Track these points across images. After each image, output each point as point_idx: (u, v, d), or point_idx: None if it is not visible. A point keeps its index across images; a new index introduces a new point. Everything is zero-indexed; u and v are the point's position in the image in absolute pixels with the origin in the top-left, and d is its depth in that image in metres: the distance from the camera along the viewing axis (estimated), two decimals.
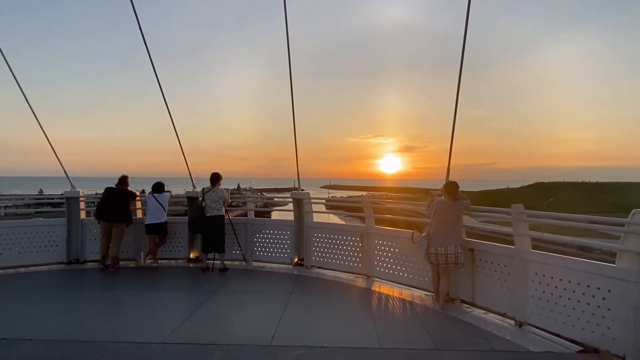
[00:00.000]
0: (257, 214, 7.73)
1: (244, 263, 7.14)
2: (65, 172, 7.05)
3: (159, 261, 7.24)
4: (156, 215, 7.04)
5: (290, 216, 7.07)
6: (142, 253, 7.19)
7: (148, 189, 7.47)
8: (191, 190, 7.48)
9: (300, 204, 6.94)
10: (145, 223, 7.05)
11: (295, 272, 6.48)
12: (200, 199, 6.64)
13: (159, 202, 7.06)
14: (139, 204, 7.69)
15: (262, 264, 7.06)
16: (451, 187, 4.73)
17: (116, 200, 6.93)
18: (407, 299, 5.10)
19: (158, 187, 7.25)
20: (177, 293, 5.44)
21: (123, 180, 7.13)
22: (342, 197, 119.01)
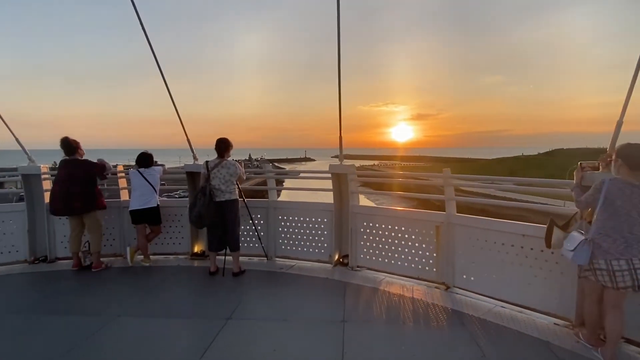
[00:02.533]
0: (261, 194, 5.85)
1: (265, 260, 5.34)
2: (18, 141, 5.14)
3: (153, 257, 5.47)
4: (144, 199, 5.12)
5: (304, 196, 5.92)
6: (128, 249, 5.33)
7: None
8: (191, 163, 5.53)
9: (343, 181, 5.00)
10: (130, 209, 5.16)
11: (337, 277, 4.64)
12: (204, 178, 4.65)
13: (147, 181, 5.14)
14: (122, 182, 5.79)
15: (289, 262, 5.24)
16: None
17: (70, 179, 4.83)
18: (529, 333, 3.21)
19: (144, 160, 5.25)
20: (172, 322, 3.52)
21: (69, 146, 4.88)
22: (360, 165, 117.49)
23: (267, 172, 6.11)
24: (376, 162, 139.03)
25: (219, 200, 4.56)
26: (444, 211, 4.23)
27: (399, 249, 4.54)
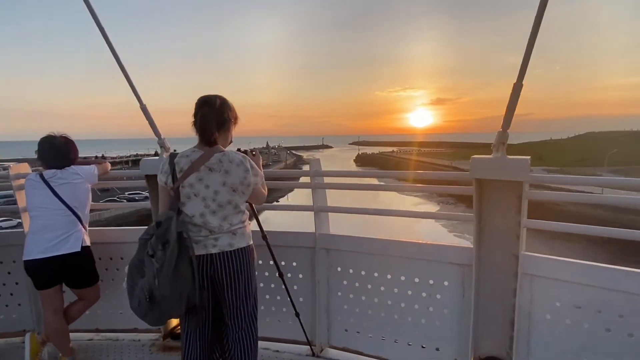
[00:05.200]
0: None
1: (309, 353, 2.58)
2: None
3: (83, 343, 2.76)
4: (53, 236, 2.30)
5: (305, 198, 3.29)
6: (27, 337, 2.51)
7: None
8: (152, 158, 2.61)
9: (508, 199, 1.99)
10: (25, 258, 2.32)
11: None
12: (166, 199, 1.87)
13: (60, 198, 2.33)
14: (21, 199, 2.67)
15: None
16: None
17: None
18: None
19: (54, 153, 2.44)
20: None
21: None
22: (372, 153, 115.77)
23: (314, 171, 2.57)
24: (395, 149, 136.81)
25: (204, 253, 1.81)
26: None
27: None
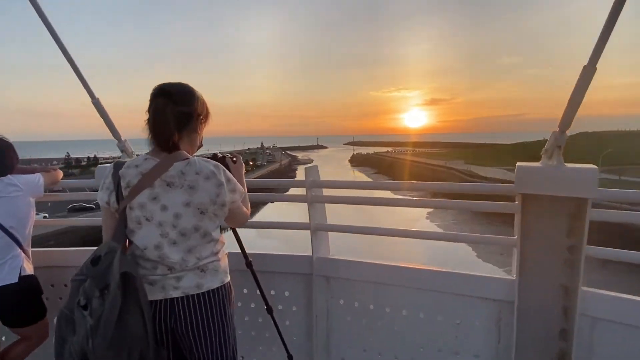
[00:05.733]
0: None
1: None
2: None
3: None
4: None
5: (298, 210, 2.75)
6: None
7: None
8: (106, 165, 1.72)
9: (560, 220, 1.55)
10: None
11: None
12: (110, 222, 1.35)
13: None
14: None
15: None
16: None
17: None
18: None
19: None
20: None
21: None
22: (367, 153, 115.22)
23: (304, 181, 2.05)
24: (390, 149, 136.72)
25: (161, 298, 1.30)
26: None
27: None
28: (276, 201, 2.49)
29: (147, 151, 1.36)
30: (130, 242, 1.29)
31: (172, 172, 1.28)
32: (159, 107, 1.30)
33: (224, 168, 1.37)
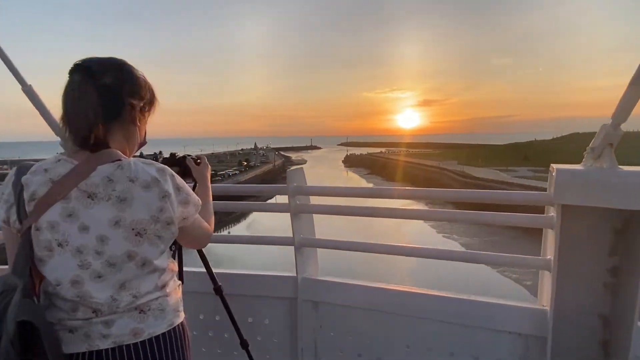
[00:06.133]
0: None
1: None
2: None
3: None
4: None
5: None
6: None
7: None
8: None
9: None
10: None
11: None
12: (13, 250, 0.95)
13: None
14: None
15: None
16: None
17: None
18: None
19: None
20: None
21: None
22: (361, 154, 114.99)
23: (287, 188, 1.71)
24: (383, 150, 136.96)
25: (84, 350, 0.93)
26: None
27: None
28: (252, 211, 2.15)
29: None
30: (38, 277, 0.92)
31: (94, 179, 0.91)
32: (74, 88, 0.94)
33: (173, 173, 1.01)
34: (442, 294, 1.53)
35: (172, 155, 1.31)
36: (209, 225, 1.17)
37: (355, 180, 68.51)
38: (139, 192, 0.92)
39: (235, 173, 56.43)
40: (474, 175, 47.55)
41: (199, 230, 1.11)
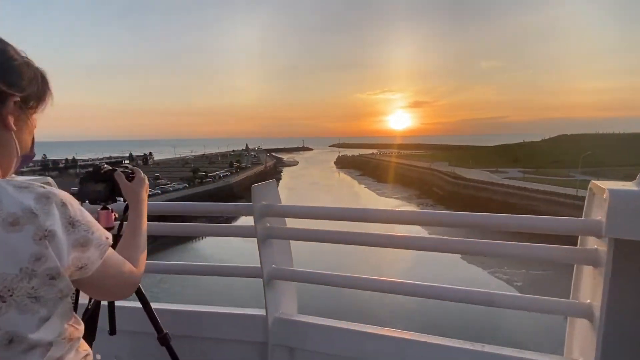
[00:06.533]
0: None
1: None
2: None
3: None
4: None
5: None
6: None
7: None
8: None
9: None
10: None
11: None
12: None
13: None
14: None
15: None
16: None
17: None
18: None
19: None
20: None
21: None
22: (353, 155, 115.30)
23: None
24: (375, 151, 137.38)
25: None
26: None
27: None
28: (210, 235, 1.84)
29: None
30: None
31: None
32: None
33: (67, 202, 0.66)
34: (449, 343, 1.22)
35: (97, 168, 0.99)
36: (136, 266, 0.83)
37: (347, 181, 68.70)
38: (1, 233, 0.60)
39: (227, 174, 55.91)
40: (465, 176, 48.00)
41: (112, 280, 0.76)
